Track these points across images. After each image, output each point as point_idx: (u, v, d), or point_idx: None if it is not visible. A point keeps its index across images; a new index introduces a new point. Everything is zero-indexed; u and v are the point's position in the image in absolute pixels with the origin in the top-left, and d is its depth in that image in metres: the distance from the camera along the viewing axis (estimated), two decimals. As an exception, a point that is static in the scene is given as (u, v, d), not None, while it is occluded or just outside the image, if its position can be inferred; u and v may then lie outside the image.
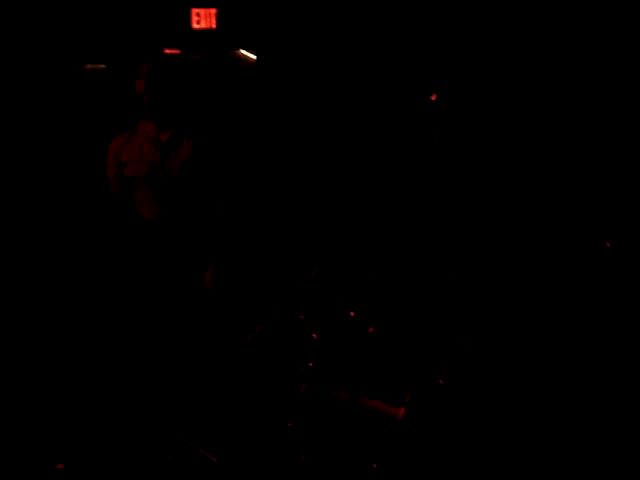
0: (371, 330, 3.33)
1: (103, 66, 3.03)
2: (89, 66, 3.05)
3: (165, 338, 3.27)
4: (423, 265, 3.43)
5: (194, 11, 3.33)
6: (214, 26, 3.34)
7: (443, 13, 3.29)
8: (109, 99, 3.13)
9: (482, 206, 3.33)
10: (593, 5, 3.11)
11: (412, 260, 3.44)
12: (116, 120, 3.43)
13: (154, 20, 3.19)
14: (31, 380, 3.24)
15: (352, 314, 3.34)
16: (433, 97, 2.97)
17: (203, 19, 3.42)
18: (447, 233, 3.38)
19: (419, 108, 3.35)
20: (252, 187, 3.50)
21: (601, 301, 3.18)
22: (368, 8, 3.33)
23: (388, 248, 3.48)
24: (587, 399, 3.14)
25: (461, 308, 3.32)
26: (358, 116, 3.39)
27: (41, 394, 3.22)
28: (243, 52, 3.16)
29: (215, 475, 3.13)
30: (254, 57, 3.19)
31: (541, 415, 3.15)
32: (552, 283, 3.24)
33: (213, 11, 3.36)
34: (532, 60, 3.21)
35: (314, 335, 3.32)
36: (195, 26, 3.36)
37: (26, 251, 3.39)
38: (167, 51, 2.93)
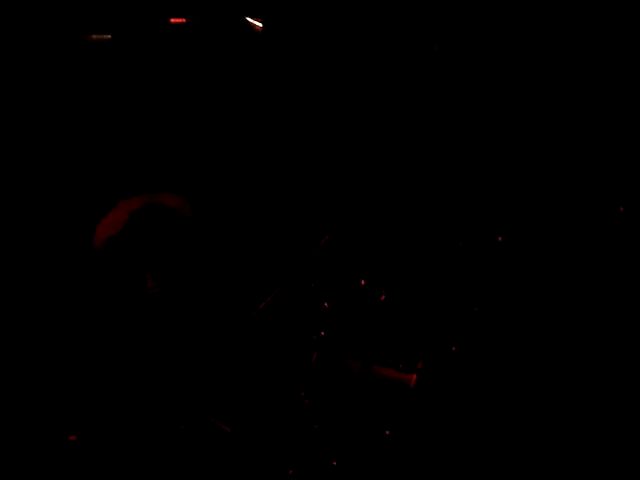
0: (382, 298, 3.32)
1: (109, 37, 2.98)
2: (94, 37, 3.01)
3: (175, 312, 3.27)
4: (434, 231, 3.41)
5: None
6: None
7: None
8: (118, 76, 3.10)
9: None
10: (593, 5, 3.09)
11: (423, 227, 3.43)
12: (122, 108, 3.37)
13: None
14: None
15: (363, 282, 3.33)
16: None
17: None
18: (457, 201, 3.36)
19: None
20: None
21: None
22: None
23: (398, 215, 3.46)
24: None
25: (473, 274, 3.30)
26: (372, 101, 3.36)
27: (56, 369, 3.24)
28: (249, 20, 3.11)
29: (228, 444, 3.14)
30: (259, 25, 3.14)
31: (549, 384, 3.15)
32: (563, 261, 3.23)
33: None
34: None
35: (325, 304, 3.31)
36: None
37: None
38: (173, 20, 2.89)
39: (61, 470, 3.08)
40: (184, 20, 2.95)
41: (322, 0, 3.32)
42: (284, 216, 3.48)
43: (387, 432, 3.14)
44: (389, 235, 3.41)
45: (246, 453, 3.15)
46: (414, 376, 3.19)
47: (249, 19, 3.13)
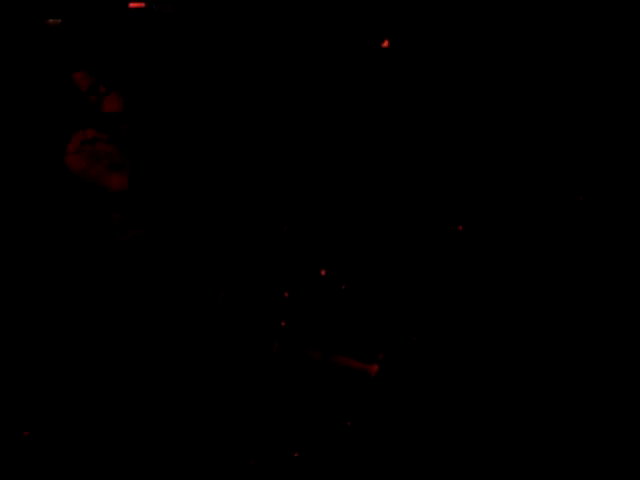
0: (343, 287, 3.30)
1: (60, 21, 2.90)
2: (51, 21, 2.93)
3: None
4: (395, 218, 3.40)
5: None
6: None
7: None
8: (76, 62, 3.02)
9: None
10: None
11: (384, 215, 3.41)
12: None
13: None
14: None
15: (323, 272, 3.32)
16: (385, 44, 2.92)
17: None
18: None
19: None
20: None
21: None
22: None
23: (360, 205, 3.44)
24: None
25: (435, 264, 3.30)
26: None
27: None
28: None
29: (191, 437, 3.11)
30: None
31: (513, 371, 3.16)
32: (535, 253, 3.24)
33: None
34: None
35: (286, 294, 3.28)
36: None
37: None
38: (132, 5, 2.82)
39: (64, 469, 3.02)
40: (143, 5, 2.90)
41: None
42: (247, 203, 3.44)
43: (348, 423, 3.13)
44: (350, 223, 3.40)
45: (206, 446, 3.12)
46: (375, 366, 3.18)
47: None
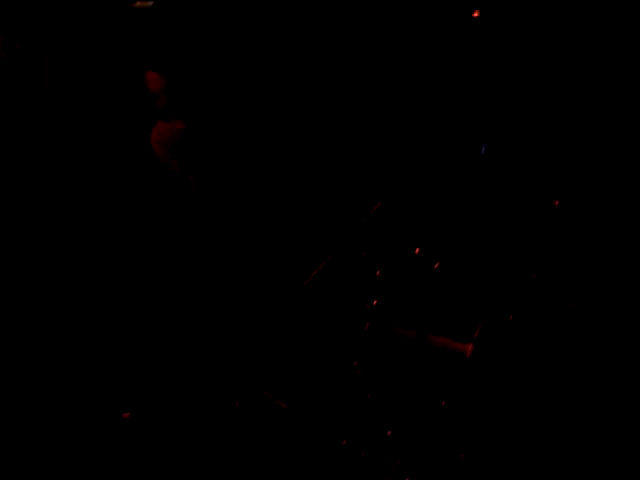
0: (436, 266, 3.24)
1: (152, 3, 2.91)
2: (138, 3, 2.95)
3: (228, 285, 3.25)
4: (489, 198, 3.31)
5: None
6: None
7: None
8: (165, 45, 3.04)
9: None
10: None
11: (477, 195, 3.33)
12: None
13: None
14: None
15: (417, 251, 3.25)
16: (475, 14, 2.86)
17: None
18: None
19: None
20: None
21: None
22: None
23: (451, 184, 3.37)
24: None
25: (530, 241, 3.20)
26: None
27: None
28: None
29: (285, 420, 3.10)
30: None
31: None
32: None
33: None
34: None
35: (378, 272, 3.24)
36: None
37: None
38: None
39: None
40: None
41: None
42: (337, 182, 3.42)
43: (442, 402, 3.07)
44: (443, 203, 3.33)
45: (302, 426, 3.11)
46: (470, 345, 3.11)
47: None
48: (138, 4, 2.99)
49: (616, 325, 3.07)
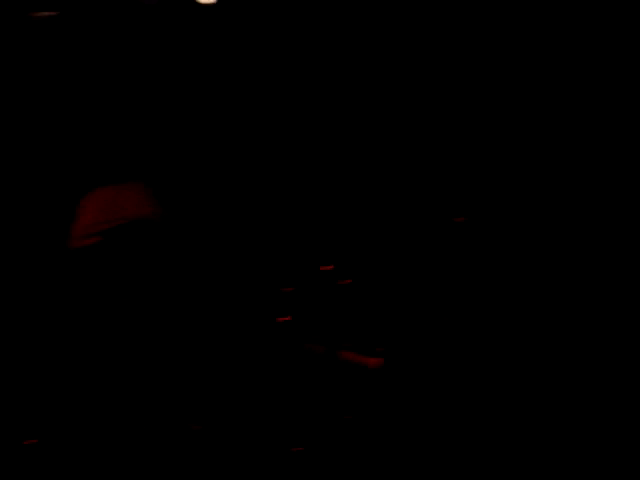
0: (347, 282, 3.28)
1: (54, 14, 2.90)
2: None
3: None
4: (400, 214, 3.36)
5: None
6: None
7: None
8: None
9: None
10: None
11: (389, 211, 3.38)
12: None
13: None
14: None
15: (329, 267, 3.29)
16: None
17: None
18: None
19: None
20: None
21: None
22: None
23: (364, 199, 3.42)
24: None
25: (437, 257, 3.25)
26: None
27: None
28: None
29: (200, 442, 3.09)
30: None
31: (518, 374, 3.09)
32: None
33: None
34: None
35: (288, 289, 3.27)
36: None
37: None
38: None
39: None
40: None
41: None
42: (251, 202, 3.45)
43: (349, 417, 3.09)
44: (354, 218, 3.37)
45: (217, 448, 3.11)
46: (378, 359, 3.14)
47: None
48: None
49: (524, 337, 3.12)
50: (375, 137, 3.33)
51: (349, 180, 3.39)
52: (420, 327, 3.16)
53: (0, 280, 3.17)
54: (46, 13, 2.91)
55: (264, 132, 3.36)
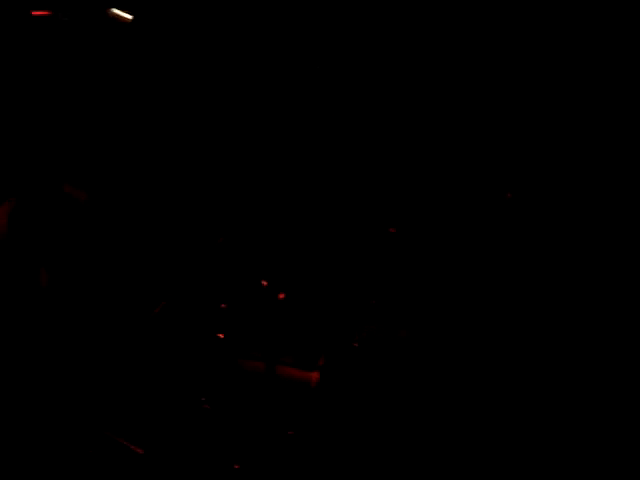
0: (282, 297, 3.25)
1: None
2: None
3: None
4: (329, 229, 3.36)
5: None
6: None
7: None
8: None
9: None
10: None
11: (319, 227, 3.38)
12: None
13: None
14: None
15: (264, 283, 3.27)
16: None
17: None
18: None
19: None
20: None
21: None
22: None
23: (295, 216, 3.41)
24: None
25: (370, 269, 3.26)
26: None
27: None
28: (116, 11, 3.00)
29: (142, 466, 3.02)
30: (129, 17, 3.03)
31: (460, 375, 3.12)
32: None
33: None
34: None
35: (223, 305, 3.23)
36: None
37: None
38: (35, 13, 2.76)
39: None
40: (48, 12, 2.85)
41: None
42: (180, 214, 3.40)
43: (290, 432, 3.06)
44: (285, 235, 3.35)
45: (160, 472, 3.04)
46: (316, 373, 3.13)
47: (116, 11, 3.04)
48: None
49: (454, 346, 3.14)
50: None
51: (282, 193, 3.37)
52: (359, 338, 3.17)
53: None
54: None
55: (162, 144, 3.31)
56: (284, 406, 3.10)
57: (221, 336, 3.19)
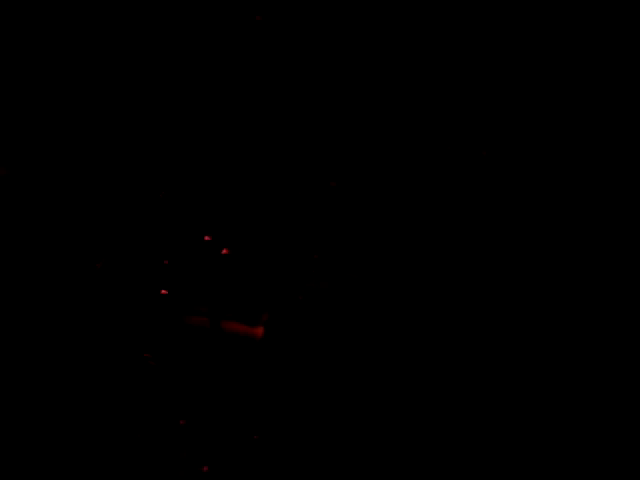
0: (225, 252, 3.23)
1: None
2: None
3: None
4: (270, 185, 3.34)
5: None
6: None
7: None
8: None
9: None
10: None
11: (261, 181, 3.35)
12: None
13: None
14: None
15: (207, 238, 3.23)
16: None
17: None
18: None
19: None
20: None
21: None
22: None
23: (241, 169, 3.37)
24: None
25: (312, 222, 3.25)
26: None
27: None
28: None
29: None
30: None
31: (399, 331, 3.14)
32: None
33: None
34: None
35: (165, 261, 3.19)
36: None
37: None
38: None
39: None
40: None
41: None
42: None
43: (237, 392, 3.07)
44: (230, 187, 3.32)
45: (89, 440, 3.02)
46: (260, 328, 3.13)
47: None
48: None
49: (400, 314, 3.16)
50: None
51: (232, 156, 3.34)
52: (304, 291, 3.17)
53: None
54: None
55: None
56: (229, 362, 3.11)
57: (164, 292, 3.17)
